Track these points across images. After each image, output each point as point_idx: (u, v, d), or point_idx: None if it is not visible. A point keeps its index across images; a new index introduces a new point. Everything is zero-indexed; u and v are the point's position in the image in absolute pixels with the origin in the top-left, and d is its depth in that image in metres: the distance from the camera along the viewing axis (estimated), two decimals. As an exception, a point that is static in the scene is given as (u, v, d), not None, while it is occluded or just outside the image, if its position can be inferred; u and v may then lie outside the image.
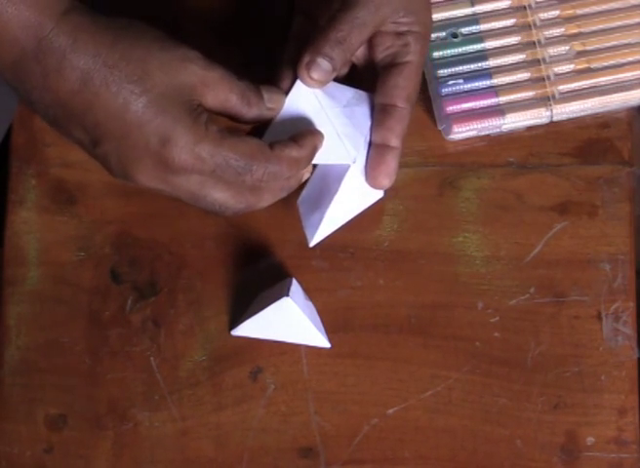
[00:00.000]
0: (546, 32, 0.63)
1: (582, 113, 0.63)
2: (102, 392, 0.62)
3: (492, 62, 0.63)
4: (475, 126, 0.62)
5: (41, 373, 0.62)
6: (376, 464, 0.61)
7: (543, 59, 0.63)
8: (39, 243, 0.64)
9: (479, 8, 0.64)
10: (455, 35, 0.63)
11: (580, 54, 0.63)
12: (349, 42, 0.53)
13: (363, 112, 0.57)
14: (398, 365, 0.62)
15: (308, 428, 0.61)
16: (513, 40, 0.63)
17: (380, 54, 0.57)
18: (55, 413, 0.62)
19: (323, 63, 0.53)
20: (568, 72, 0.63)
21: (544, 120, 0.63)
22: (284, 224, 0.63)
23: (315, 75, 0.53)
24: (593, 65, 0.63)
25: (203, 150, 0.50)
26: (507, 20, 0.64)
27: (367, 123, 0.56)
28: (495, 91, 0.63)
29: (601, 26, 0.63)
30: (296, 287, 0.61)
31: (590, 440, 0.61)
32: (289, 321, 0.59)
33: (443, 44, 0.63)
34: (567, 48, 0.63)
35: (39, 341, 0.63)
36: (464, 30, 0.64)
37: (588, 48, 0.63)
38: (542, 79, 0.63)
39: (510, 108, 0.62)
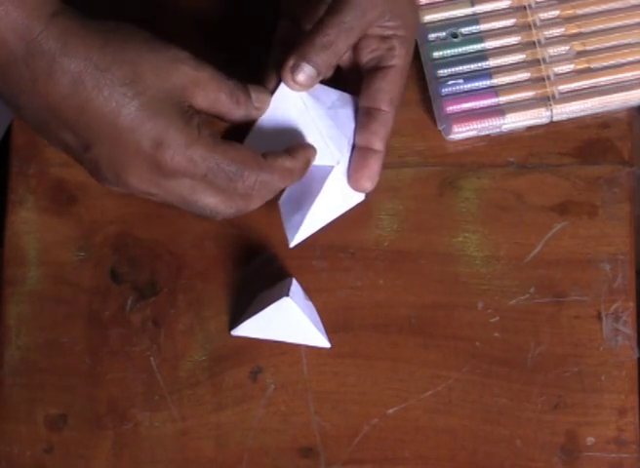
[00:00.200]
0: (546, 32, 0.63)
1: (582, 113, 0.63)
2: (102, 392, 0.62)
3: (492, 62, 0.63)
4: (475, 126, 0.62)
5: (41, 373, 0.62)
6: (376, 464, 0.61)
7: (543, 59, 0.63)
8: (39, 243, 0.64)
9: (479, 8, 0.64)
10: (455, 35, 0.63)
11: (580, 54, 0.63)
12: (336, 47, 0.53)
13: (347, 115, 0.57)
14: (398, 365, 0.62)
15: (308, 428, 0.61)
16: (513, 40, 0.63)
17: (366, 57, 0.57)
18: (55, 413, 0.62)
19: (307, 68, 0.53)
20: (568, 72, 0.63)
21: (544, 120, 0.63)
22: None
23: (299, 79, 0.53)
24: (593, 65, 0.63)
25: (195, 153, 0.50)
26: (507, 20, 0.64)
27: (351, 125, 0.57)
28: (495, 91, 0.63)
29: (601, 26, 0.63)
30: (296, 287, 0.61)
31: (590, 440, 0.61)
32: (289, 321, 0.59)
33: (443, 44, 0.63)
34: (567, 48, 0.63)
35: (39, 341, 0.63)
36: (464, 30, 0.63)
37: (588, 48, 0.63)
38: (542, 79, 0.63)
39: (510, 108, 0.62)
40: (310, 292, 0.62)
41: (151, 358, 0.62)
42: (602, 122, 0.64)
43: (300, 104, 0.55)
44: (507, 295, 0.62)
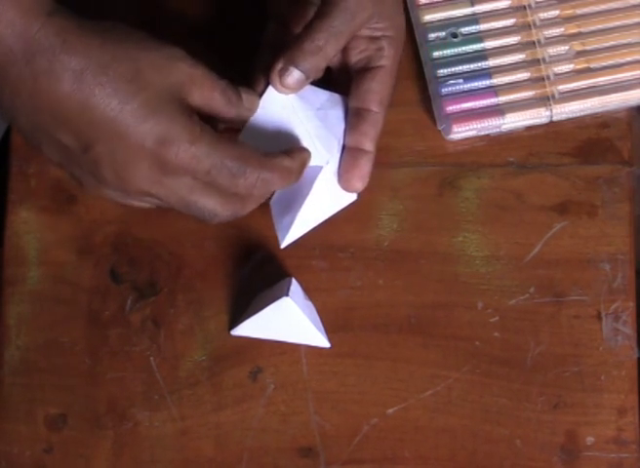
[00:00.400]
0: (546, 32, 0.63)
1: (582, 113, 0.63)
2: (102, 392, 0.62)
3: (491, 62, 0.63)
4: (475, 126, 0.62)
5: (41, 373, 0.62)
6: (375, 464, 0.61)
7: (543, 59, 0.63)
8: (39, 243, 0.64)
9: (479, 8, 0.64)
10: (454, 35, 0.63)
11: (580, 53, 0.63)
12: (324, 52, 0.53)
13: (337, 115, 0.57)
14: (398, 364, 0.62)
15: (308, 428, 0.61)
16: (513, 40, 0.63)
17: (355, 57, 0.57)
18: (54, 413, 0.62)
19: (296, 72, 0.53)
20: (567, 72, 0.63)
21: (544, 120, 0.63)
22: (284, 224, 0.63)
23: (287, 83, 0.53)
24: (593, 65, 0.63)
25: (199, 150, 0.49)
26: (507, 20, 0.64)
27: (341, 126, 0.57)
28: (494, 90, 0.63)
29: (601, 26, 0.63)
30: (295, 286, 0.61)
31: (590, 439, 0.61)
32: (288, 321, 0.60)
33: (443, 44, 0.63)
34: (566, 48, 0.63)
35: (39, 341, 0.63)
36: (464, 30, 0.64)
37: (588, 48, 0.63)
38: (542, 79, 0.63)
39: (510, 108, 0.62)
40: (310, 292, 0.62)
41: (151, 358, 0.62)
42: (602, 122, 0.64)
43: (288, 106, 0.55)
44: (507, 295, 0.62)
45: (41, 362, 0.63)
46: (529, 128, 0.63)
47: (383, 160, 0.63)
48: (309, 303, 0.62)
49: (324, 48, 0.53)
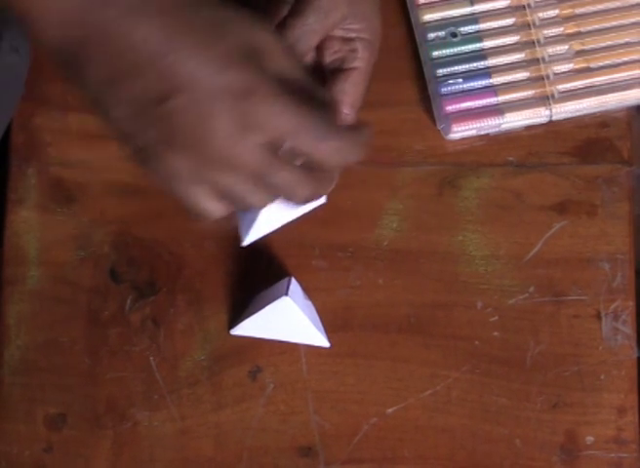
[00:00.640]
0: (545, 32, 0.63)
1: (582, 112, 0.63)
2: (102, 391, 0.62)
3: (491, 62, 0.63)
4: (474, 125, 0.62)
5: (40, 373, 0.62)
6: (375, 463, 0.61)
7: (542, 59, 0.63)
8: (39, 242, 0.64)
9: (478, 7, 0.64)
10: (454, 34, 0.63)
11: (579, 53, 0.63)
12: (297, 49, 0.52)
13: None
14: (397, 364, 0.62)
15: (308, 427, 0.61)
16: (512, 39, 0.63)
17: (329, 58, 0.57)
18: (54, 413, 0.62)
19: None
20: (567, 71, 0.63)
21: (544, 119, 0.63)
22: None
23: None
24: (592, 65, 0.63)
25: (284, 105, 0.46)
26: (506, 20, 0.64)
27: None
28: (494, 90, 0.63)
29: (600, 26, 0.63)
30: (295, 286, 0.61)
31: (590, 439, 0.60)
32: (288, 320, 0.59)
33: (442, 43, 0.63)
34: (566, 47, 0.63)
35: (39, 341, 0.63)
36: (463, 30, 0.63)
37: (587, 47, 0.63)
38: (542, 78, 0.63)
39: (509, 108, 0.62)
40: (310, 292, 0.62)
41: (151, 357, 0.62)
42: (601, 121, 0.64)
43: None
44: (507, 295, 0.62)
45: (41, 361, 0.63)
46: (528, 127, 0.63)
47: (383, 159, 0.63)
48: (309, 303, 0.62)
49: (296, 46, 0.53)
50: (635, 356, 0.61)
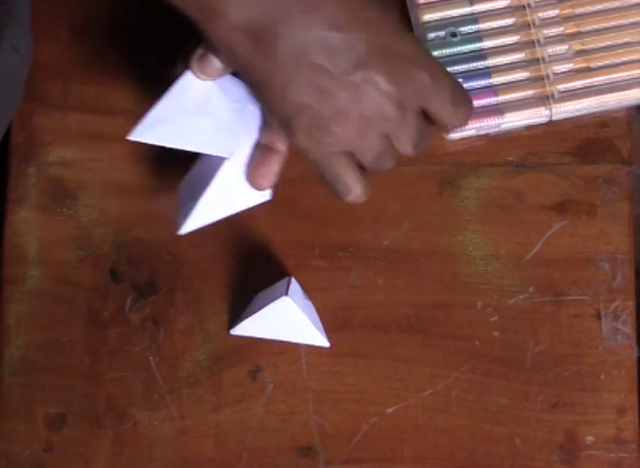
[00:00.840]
0: (545, 31, 0.63)
1: (582, 112, 0.63)
2: (102, 391, 0.62)
3: (491, 62, 0.63)
4: (474, 125, 0.62)
5: (41, 373, 0.63)
6: (375, 463, 0.61)
7: (542, 59, 0.63)
8: (39, 242, 0.64)
9: (478, 7, 0.64)
10: (454, 34, 0.63)
11: (579, 53, 0.63)
12: None
13: (254, 112, 0.55)
14: (397, 364, 0.62)
15: (307, 427, 0.61)
16: (512, 39, 0.63)
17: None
18: (54, 413, 0.62)
19: (215, 61, 0.52)
20: (567, 71, 0.63)
21: (543, 119, 0.63)
22: (283, 224, 0.63)
23: (205, 70, 0.52)
24: (592, 65, 0.63)
25: (443, 72, 0.53)
26: (506, 20, 0.64)
27: (256, 122, 0.55)
28: (494, 90, 0.63)
29: (600, 26, 0.63)
30: (295, 286, 0.61)
31: (590, 439, 0.60)
32: (288, 320, 0.60)
33: (442, 43, 0.63)
34: (566, 47, 0.63)
35: (39, 341, 0.63)
36: (463, 29, 0.63)
37: (587, 47, 0.63)
38: (541, 78, 0.63)
39: (509, 107, 0.62)
40: (309, 292, 0.62)
41: (150, 357, 0.62)
42: (601, 121, 0.64)
43: (202, 93, 0.53)
44: (507, 295, 0.62)
45: (41, 361, 0.63)
46: (528, 127, 0.63)
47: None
48: (309, 303, 0.62)
49: None
50: (635, 356, 0.61)
